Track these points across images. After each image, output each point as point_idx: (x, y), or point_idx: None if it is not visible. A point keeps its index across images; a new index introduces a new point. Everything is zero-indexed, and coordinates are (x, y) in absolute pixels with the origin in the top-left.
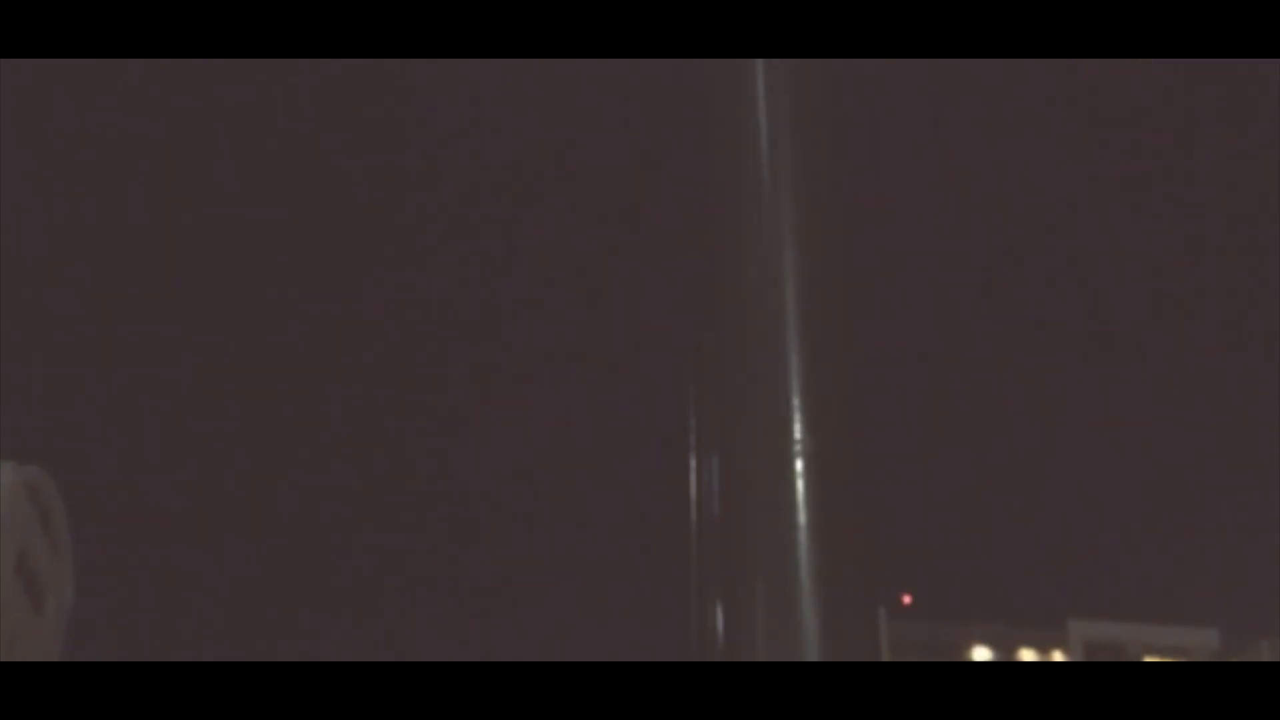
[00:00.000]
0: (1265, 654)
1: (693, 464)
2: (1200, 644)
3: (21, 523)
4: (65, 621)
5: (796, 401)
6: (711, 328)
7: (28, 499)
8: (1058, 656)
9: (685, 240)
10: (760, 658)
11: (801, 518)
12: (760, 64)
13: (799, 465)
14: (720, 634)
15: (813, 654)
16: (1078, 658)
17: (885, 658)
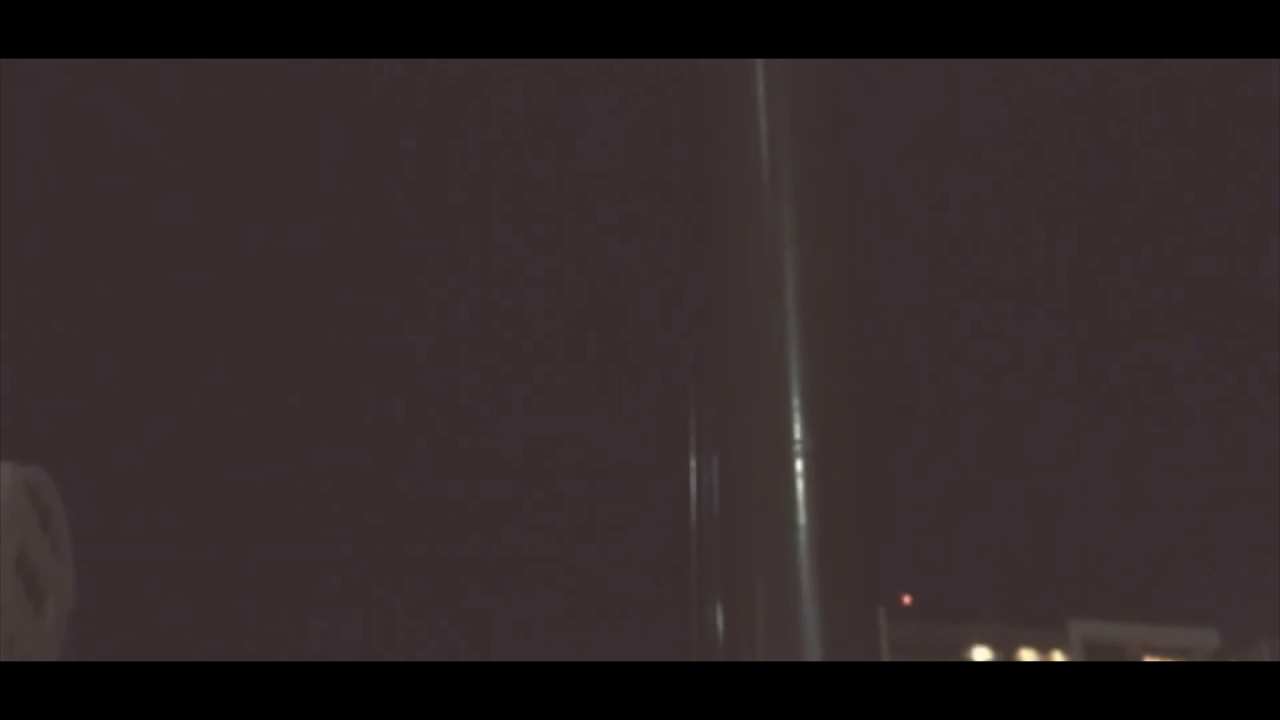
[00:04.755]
0: (1265, 654)
1: (693, 464)
2: (1200, 644)
3: (21, 523)
4: (65, 621)
5: (796, 401)
6: (711, 328)
7: (28, 499)
8: (1058, 656)
9: (685, 240)
10: (760, 658)
11: (801, 518)
12: (760, 64)
13: (799, 465)
14: (720, 634)
15: (813, 654)
16: (1078, 658)
17: (885, 658)
